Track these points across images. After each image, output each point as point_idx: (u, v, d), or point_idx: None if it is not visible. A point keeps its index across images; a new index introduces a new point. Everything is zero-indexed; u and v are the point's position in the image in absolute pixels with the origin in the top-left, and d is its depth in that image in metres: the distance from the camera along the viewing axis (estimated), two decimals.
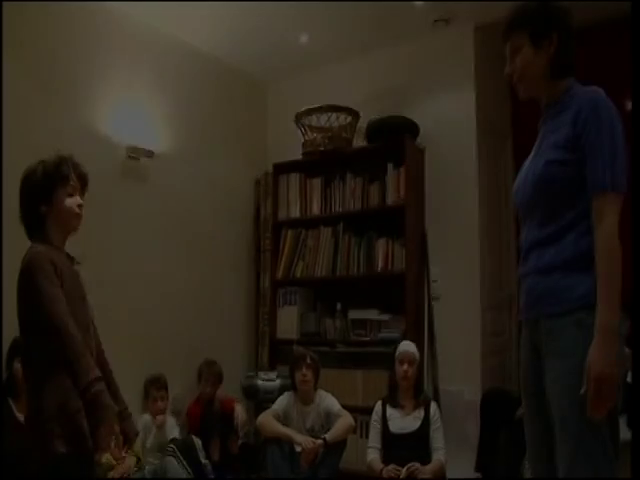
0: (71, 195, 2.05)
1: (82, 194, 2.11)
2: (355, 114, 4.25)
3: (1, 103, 3.06)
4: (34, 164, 2.07)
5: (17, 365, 2.99)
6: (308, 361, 3.54)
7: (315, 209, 4.43)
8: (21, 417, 2.98)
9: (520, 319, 1.90)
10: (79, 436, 1.87)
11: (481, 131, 4.11)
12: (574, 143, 1.72)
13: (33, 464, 2.60)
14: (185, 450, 3.50)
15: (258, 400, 4.04)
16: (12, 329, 2.92)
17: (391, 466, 3.20)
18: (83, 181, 2.11)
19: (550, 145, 1.80)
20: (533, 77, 1.85)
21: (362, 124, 4.28)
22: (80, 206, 2.08)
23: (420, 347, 3.64)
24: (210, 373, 3.96)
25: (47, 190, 2.02)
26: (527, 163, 1.91)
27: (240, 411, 3.88)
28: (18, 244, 2.07)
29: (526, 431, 1.87)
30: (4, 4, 2.91)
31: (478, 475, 3.58)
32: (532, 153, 1.90)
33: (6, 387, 3.02)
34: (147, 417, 3.73)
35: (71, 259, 2.10)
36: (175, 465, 3.34)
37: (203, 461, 3.51)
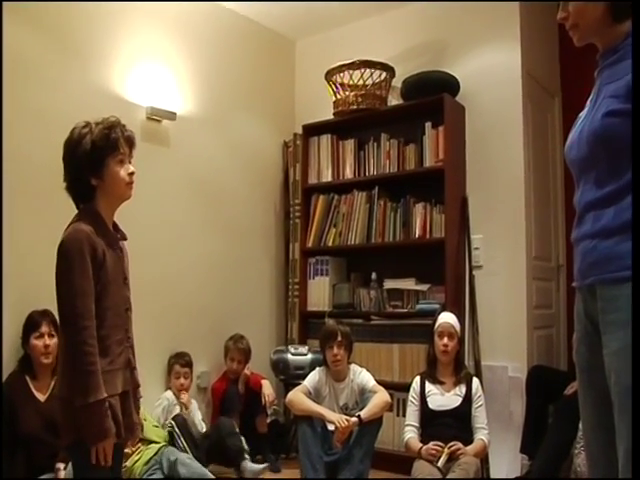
0: (122, 163, 2.03)
1: (131, 158, 2.09)
2: (390, 70, 4.19)
3: (1, 100, 3.03)
4: (79, 129, 2.01)
5: (33, 342, 3.01)
6: (339, 338, 3.50)
7: (348, 173, 4.39)
8: (40, 397, 3.01)
9: (574, 286, 1.82)
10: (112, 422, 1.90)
11: (527, 87, 3.98)
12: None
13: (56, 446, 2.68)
14: (184, 426, 3.52)
15: (288, 376, 4.03)
16: (25, 304, 3.06)
17: (432, 443, 3.15)
18: (131, 145, 2.09)
19: (609, 95, 1.68)
20: (590, 21, 1.74)
21: (398, 81, 4.22)
22: (132, 174, 2.06)
23: (461, 319, 3.59)
24: (237, 349, 3.98)
25: (97, 161, 1.99)
26: (581, 117, 1.81)
27: (268, 388, 3.90)
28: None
29: (580, 409, 1.81)
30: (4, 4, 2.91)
31: (523, 457, 3.53)
32: (587, 106, 1.80)
33: (23, 365, 3.04)
34: (169, 395, 3.72)
35: (119, 233, 2.10)
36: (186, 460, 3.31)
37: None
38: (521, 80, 3.92)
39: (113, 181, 2.02)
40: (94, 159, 1.99)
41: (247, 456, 3.51)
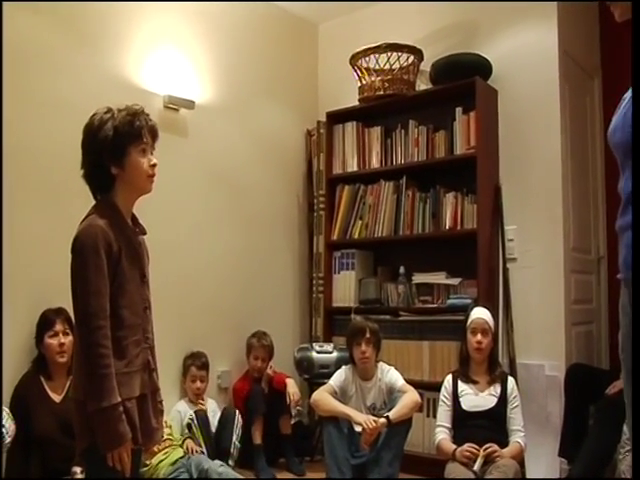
0: (144, 153, 1.99)
1: (153, 149, 2.05)
2: (418, 53, 4.14)
3: (1, 95, 3.01)
4: (101, 114, 1.97)
5: (48, 341, 3.00)
6: (367, 335, 3.48)
7: (374, 162, 4.35)
8: (56, 397, 3.01)
9: (618, 278, 1.74)
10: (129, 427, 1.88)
11: (564, 68, 3.89)
12: None
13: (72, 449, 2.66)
14: (205, 424, 3.53)
15: (312, 375, 4.01)
16: (39, 303, 3.06)
17: (467, 445, 3.09)
18: (154, 136, 2.05)
19: None
20: None
21: (426, 64, 4.17)
22: (154, 166, 2.02)
23: (494, 315, 3.53)
24: (261, 346, 3.96)
25: (119, 148, 1.95)
26: (626, 98, 1.73)
27: (293, 387, 3.87)
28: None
29: (627, 411, 1.73)
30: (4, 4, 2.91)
31: (562, 461, 3.46)
32: (632, 86, 1.72)
33: (37, 366, 3.03)
34: (182, 407, 3.65)
35: (138, 227, 2.07)
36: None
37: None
38: (558, 60, 3.83)
39: (134, 171, 1.98)
40: (115, 146, 1.95)
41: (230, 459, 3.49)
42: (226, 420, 3.60)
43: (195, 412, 3.55)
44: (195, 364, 3.72)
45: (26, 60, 3.18)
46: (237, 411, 3.66)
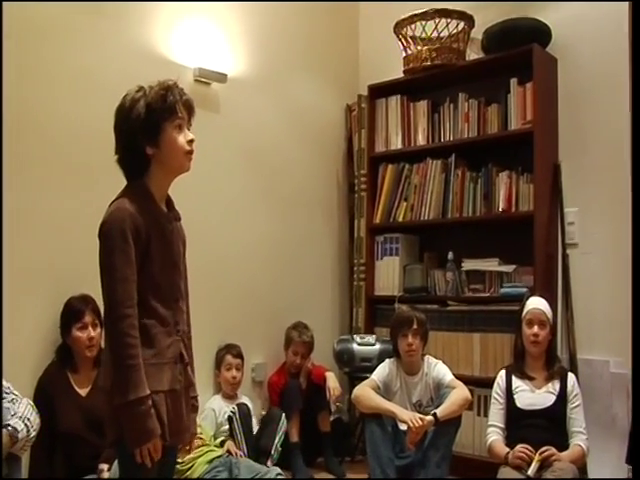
0: (180, 129, 1.99)
1: (190, 125, 2.05)
2: (468, 19, 4.09)
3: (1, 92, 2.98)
4: (132, 93, 1.98)
5: (76, 334, 2.99)
6: (415, 326, 3.45)
7: (420, 139, 4.31)
8: (82, 391, 3.02)
9: None
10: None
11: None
12: None
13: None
14: (247, 418, 3.54)
15: (353, 368, 3.99)
16: (63, 290, 3.05)
17: (521, 446, 3.03)
18: (190, 111, 2.05)
19: None
20: None
21: (478, 32, 4.10)
22: (191, 141, 2.02)
23: (553, 305, 3.48)
24: (302, 342, 3.95)
25: (153, 126, 1.95)
26: None
27: (334, 381, 3.84)
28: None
29: None
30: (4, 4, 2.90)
31: (630, 469, 3.32)
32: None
33: (61, 357, 3.03)
34: (216, 404, 3.64)
35: (172, 212, 2.07)
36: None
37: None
38: (628, 25, 3.65)
39: (171, 149, 1.97)
40: (149, 124, 1.94)
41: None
42: (270, 420, 3.62)
43: (238, 405, 3.56)
44: (230, 352, 3.74)
45: (49, 34, 3.16)
46: (283, 414, 3.66)
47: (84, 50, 3.29)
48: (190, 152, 2.01)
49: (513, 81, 3.89)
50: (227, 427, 3.54)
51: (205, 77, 3.81)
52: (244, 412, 3.55)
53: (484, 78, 4.07)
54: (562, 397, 3.18)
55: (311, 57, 4.55)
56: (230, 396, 3.70)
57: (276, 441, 3.54)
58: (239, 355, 3.75)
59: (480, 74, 4.09)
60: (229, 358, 3.71)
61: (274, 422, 3.58)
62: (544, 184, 3.78)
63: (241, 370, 3.74)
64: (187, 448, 2.13)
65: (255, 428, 3.64)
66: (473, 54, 4.16)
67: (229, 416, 3.52)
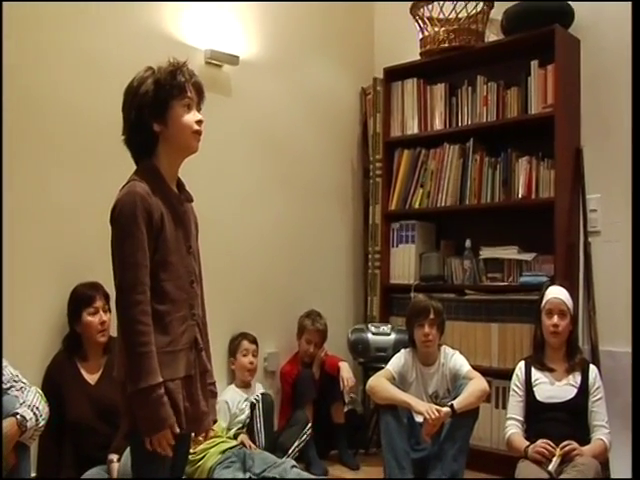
0: (188, 109, 2.00)
1: (199, 108, 2.06)
2: None
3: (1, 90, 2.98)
4: (141, 72, 2.00)
5: (88, 319, 2.99)
6: (431, 315, 3.44)
7: (437, 123, 4.31)
8: (90, 380, 3.03)
9: None
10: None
11: None
12: None
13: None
14: (269, 409, 3.57)
15: (368, 359, 3.99)
16: (70, 276, 3.05)
17: (542, 441, 3.00)
18: (200, 93, 2.06)
19: None
20: None
21: (497, 12, 4.07)
22: (200, 122, 2.02)
23: (574, 295, 3.43)
24: (316, 330, 3.95)
25: (161, 104, 1.96)
26: None
27: (347, 371, 3.84)
28: None
29: None
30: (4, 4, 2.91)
31: None
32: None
33: (69, 345, 3.04)
34: (230, 395, 3.64)
35: (183, 193, 2.08)
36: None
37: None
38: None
39: (178, 127, 1.98)
40: (157, 100, 1.95)
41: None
42: (296, 421, 3.64)
43: (262, 395, 3.59)
44: (247, 338, 3.77)
45: (55, 16, 3.15)
46: (310, 421, 3.67)
47: (91, 32, 3.29)
48: (198, 132, 2.01)
49: (534, 63, 3.85)
50: (243, 417, 3.56)
51: (216, 59, 3.79)
52: (268, 403, 3.57)
53: (503, 60, 4.04)
54: (583, 390, 3.15)
55: (325, 39, 4.53)
56: (245, 384, 3.71)
57: (297, 443, 3.54)
58: (255, 342, 3.78)
59: (499, 56, 4.05)
60: (246, 344, 3.74)
61: (300, 424, 3.60)
62: (565, 170, 3.75)
63: (256, 356, 3.76)
64: (203, 436, 2.11)
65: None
66: (492, 35, 4.13)
67: (252, 403, 3.54)
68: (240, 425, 3.54)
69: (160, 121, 1.96)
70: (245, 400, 3.61)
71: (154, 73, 1.98)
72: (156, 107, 1.95)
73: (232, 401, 3.60)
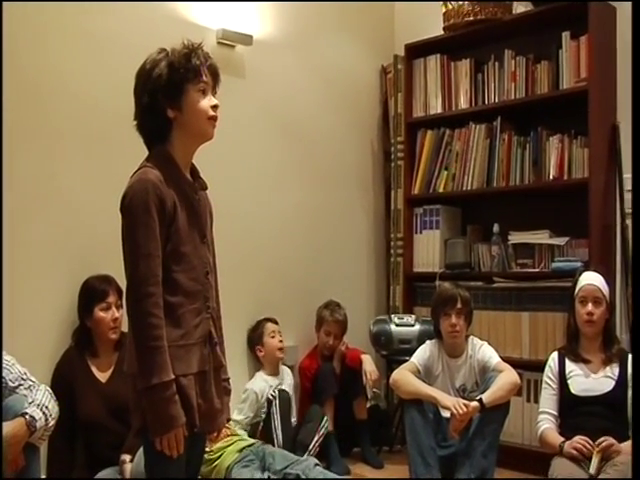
0: (204, 94, 2.00)
1: (215, 92, 2.06)
2: None
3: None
4: (154, 54, 1.99)
5: (100, 314, 2.99)
6: (458, 305, 3.43)
7: (462, 102, 4.30)
8: (102, 377, 3.03)
9: None
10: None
11: None
12: None
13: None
14: (287, 406, 3.58)
15: (391, 351, 3.99)
16: (80, 269, 3.05)
17: (579, 438, 2.96)
18: (215, 77, 2.06)
19: None
20: None
21: None
22: (215, 107, 2.01)
23: (610, 281, 3.38)
24: (335, 321, 3.94)
25: (175, 89, 1.96)
26: None
27: (370, 364, 3.83)
28: None
29: None
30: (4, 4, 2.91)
31: None
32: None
33: (79, 341, 3.04)
34: (258, 385, 3.65)
35: (197, 181, 2.08)
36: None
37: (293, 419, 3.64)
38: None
39: (193, 112, 1.97)
40: (171, 84, 1.95)
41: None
42: (310, 417, 3.64)
43: (279, 391, 3.60)
44: (270, 320, 3.80)
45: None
46: (325, 415, 3.68)
47: (100, 13, 3.29)
48: (214, 118, 2.00)
49: (565, 35, 3.82)
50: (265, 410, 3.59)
51: (229, 39, 3.79)
52: (285, 400, 3.57)
53: (533, 33, 4.02)
54: (622, 382, 3.10)
55: (343, 15, 4.50)
56: (274, 370, 3.75)
57: (316, 438, 3.54)
58: (277, 323, 3.81)
59: (528, 28, 4.03)
60: (270, 325, 3.79)
61: (315, 420, 3.60)
62: (600, 148, 3.73)
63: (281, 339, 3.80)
64: (215, 435, 2.12)
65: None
66: (520, 6, 4.09)
67: (268, 399, 3.55)
68: (262, 417, 3.56)
69: (174, 106, 1.95)
70: (276, 387, 3.65)
71: (167, 55, 1.97)
72: (170, 92, 1.94)
73: (261, 392, 3.63)
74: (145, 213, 1.85)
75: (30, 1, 3.06)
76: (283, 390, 3.63)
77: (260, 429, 3.56)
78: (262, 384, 3.67)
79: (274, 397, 3.55)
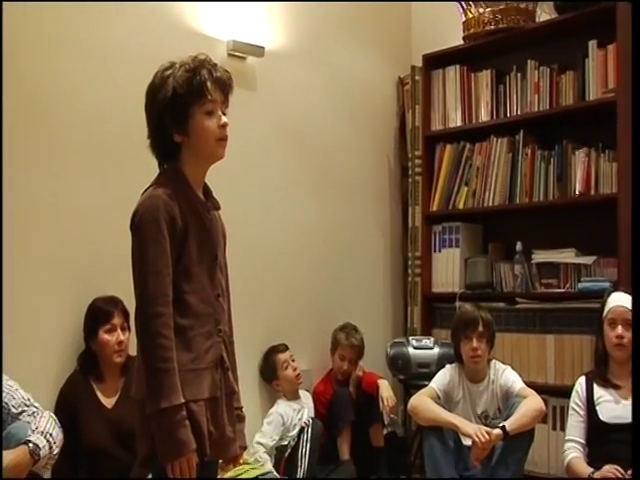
0: (210, 114, 2.01)
1: (225, 106, 2.07)
2: None
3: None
4: (162, 71, 2.01)
5: (104, 337, 2.99)
6: (480, 328, 3.41)
7: (483, 114, 4.30)
8: (107, 402, 3.03)
9: None
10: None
11: None
12: None
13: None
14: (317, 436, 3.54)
15: (409, 375, 3.97)
16: (86, 290, 3.05)
17: (609, 467, 2.95)
18: (224, 89, 2.06)
19: None
20: None
21: None
22: (224, 126, 2.02)
23: None
24: (350, 345, 3.93)
25: (180, 112, 1.98)
26: None
27: (387, 390, 3.82)
28: None
29: None
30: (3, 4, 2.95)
31: None
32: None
33: (84, 364, 3.04)
34: (284, 409, 3.67)
35: (210, 200, 2.10)
36: None
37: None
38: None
39: (200, 137, 2.00)
40: (176, 109, 1.97)
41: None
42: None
43: (313, 420, 3.60)
44: (278, 350, 3.79)
45: (72, 5, 3.18)
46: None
47: (109, 22, 3.32)
48: (223, 138, 2.02)
49: (592, 43, 3.82)
50: (295, 433, 3.59)
51: (240, 51, 3.81)
52: (317, 429, 3.55)
53: (557, 42, 4.02)
54: None
55: (358, 24, 4.52)
56: (295, 395, 3.76)
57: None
58: (286, 347, 3.81)
59: (552, 37, 4.03)
60: (281, 357, 3.77)
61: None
62: (629, 162, 3.64)
63: (295, 362, 3.79)
64: (232, 464, 2.13)
65: None
66: (544, 15, 4.11)
67: (302, 427, 3.54)
68: (290, 440, 3.56)
69: (181, 131, 1.97)
70: (299, 412, 3.67)
71: (173, 74, 1.98)
72: (175, 116, 1.97)
73: (286, 415, 3.65)
74: (155, 230, 1.87)
75: (30, 1, 3.07)
76: (316, 420, 3.62)
77: (287, 455, 3.54)
78: (286, 408, 3.68)
79: (307, 425, 3.54)
